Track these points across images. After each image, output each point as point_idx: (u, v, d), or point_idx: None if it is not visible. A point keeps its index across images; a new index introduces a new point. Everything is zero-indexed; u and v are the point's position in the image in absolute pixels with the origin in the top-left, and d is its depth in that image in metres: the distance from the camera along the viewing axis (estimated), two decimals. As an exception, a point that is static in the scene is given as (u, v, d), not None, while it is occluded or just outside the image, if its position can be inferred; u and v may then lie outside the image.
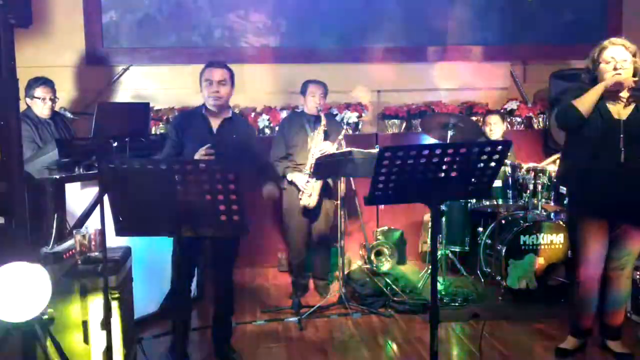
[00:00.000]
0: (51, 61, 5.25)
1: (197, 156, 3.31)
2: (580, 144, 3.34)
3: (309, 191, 4.47)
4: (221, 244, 3.51)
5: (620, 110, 3.27)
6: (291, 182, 4.57)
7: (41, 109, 4.34)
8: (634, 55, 3.24)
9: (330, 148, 4.40)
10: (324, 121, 4.48)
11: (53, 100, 4.38)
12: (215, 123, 3.50)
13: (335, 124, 4.82)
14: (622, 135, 3.21)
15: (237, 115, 3.82)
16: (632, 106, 3.26)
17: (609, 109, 3.26)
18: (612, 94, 3.24)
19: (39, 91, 4.32)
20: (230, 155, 3.37)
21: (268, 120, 5.63)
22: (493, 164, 2.39)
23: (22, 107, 4.33)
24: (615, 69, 3.20)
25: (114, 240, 2.80)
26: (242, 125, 3.69)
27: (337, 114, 5.64)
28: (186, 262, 3.47)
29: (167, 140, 3.61)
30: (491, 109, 5.75)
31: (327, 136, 4.50)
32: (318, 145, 4.44)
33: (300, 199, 4.51)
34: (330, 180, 4.56)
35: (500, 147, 2.37)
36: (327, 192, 4.59)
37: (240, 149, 3.45)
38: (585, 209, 3.38)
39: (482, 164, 2.39)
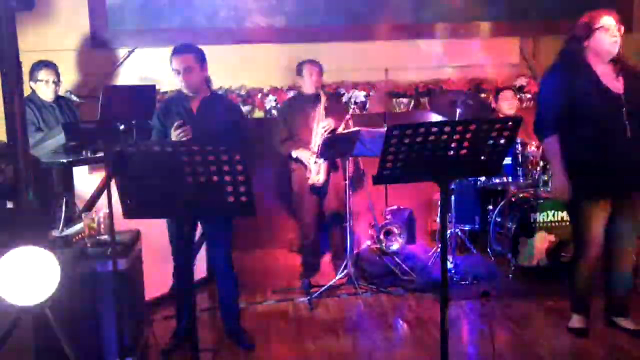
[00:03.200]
0: (55, 45, 5.20)
1: (173, 137, 3.30)
2: (583, 124, 3.27)
3: (316, 168, 4.46)
4: (214, 229, 3.54)
5: (617, 84, 3.25)
6: (297, 159, 4.56)
7: (45, 92, 4.32)
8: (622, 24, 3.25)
9: (333, 123, 4.39)
10: (323, 98, 4.47)
11: (56, 83, 4.36)
12: (194, 104, 3.51)
13: (336, 100, 4.79)
14: (624, 109, 3.19)
15: (216, 92, 3.84)
16: (621, 79, 3.25)
17: (607, 86, 3.24)
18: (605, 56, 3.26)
19: (42, 74, 4.30)
20: (214, 132, 3.37)
21: (275, 100, 5.59)
22: (503, 140, 2.35)
23: (27, 91, 4.33)
24: (613, 35, 3.22)
25: (125, 223, 2.79)
26: (223, 101, 3.71)
27: (344, 93, 5.59)
28: (184, 242, 3.47)
29: (153, 129, 3.58)
30: (500, 86, 5.68)
31: (327, 113, 4.48)
32: (320, 123, 4.42)
33: (308, 177, 4.50)
34: (323, 172, 4.54)
35: (510, 123, 2.33)
36: (334, 167, 4.58)
37: (223, 123, 3.44)
38: (591, 191, 3.33)
39: (492, 141, 2.35)
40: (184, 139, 3.27)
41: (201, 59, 3.47)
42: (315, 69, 4.61)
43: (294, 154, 4.57)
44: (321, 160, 4.42)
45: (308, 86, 4.62)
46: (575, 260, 3.54)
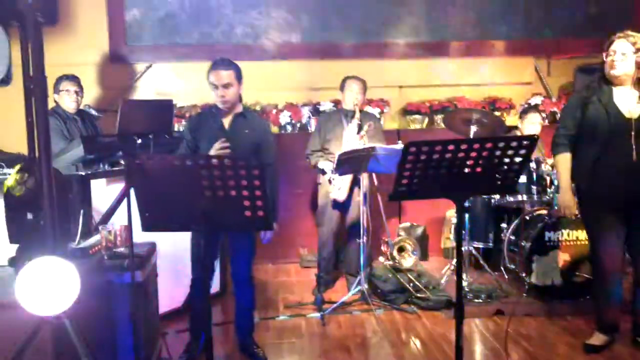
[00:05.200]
0: (75, 59, 5.30)
1: (212, 151, 3.34)
2: (590, 143, 3.36)
3: (338, 184, 4.48)
4: (239, 239, 3.54)
5: (632, 109, 3.27)
6: (322, 170, 4.60)
7: (67, 102, 4.42)
8: (637, 51, 3.25)
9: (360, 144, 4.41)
10: (357, 115, 4.48)
11: (78, 93, 4.46)
12: (226, 120, 3.52)
13: (372, 119, 4.79)
14: (633, 133, 3.22)
15: (248, 110, 3.80)
16: None
17: (619, 109, 3.28)
18: (614, 81, 3.32)
19: (65, 84, 4.42)
20: (244, 150, 3.39)
21: (290, 116, 5.64)
22: (519, 159, 2.36)
23: (51, 104, 4.41)
24: (612, 61, 3.27)
25: (139, 236, 2.83)
26: (254, 120, 3.67)
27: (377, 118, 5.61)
28: (207, 257, 3.49)
29: (183, 141, 3.62)
30: (525, 105, 5.66)
31: (360, 129, 4.48)
32: (350, 140, 4.44)
33: (331, 192, 4.53)
34: (346, 189, 4.54)
35: (526, 142, 2.34)
36: (358, 184, 4.59)
37: (251, 143, 3.46)
38: (597, 206, 3.40)
39: (508, 159, 2.36)
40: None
41: (240, 75, 3.47)
42: (357, 86, 4.59)
43: (320, 165, 4.61)
44: (340, 176, 4.43)
45: (347, 101, 4.63)
46: (594, 277, 3.59)
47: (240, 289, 3.64)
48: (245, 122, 3.52)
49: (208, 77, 3.46)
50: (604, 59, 3.33)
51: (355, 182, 4.56)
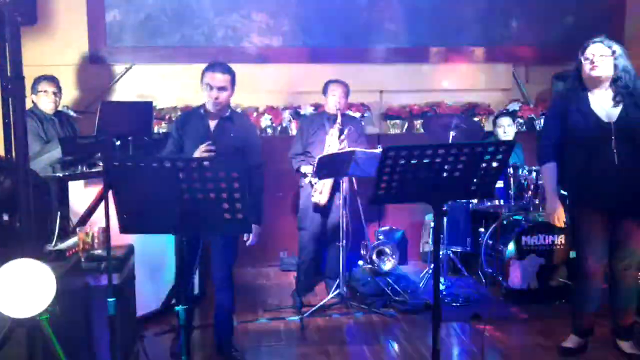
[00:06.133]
0: (54, 60, 5.24)
1: (197, 153, 3.35)
2: (574, 150, 3.41)
3: (319, 188, 4.49)
4: (221, 243, 3.54)
5: (610, 112, 3.32)
6: (304, 175, 4.62)
7: (45, 103, 4.36)
8: (613, 53, 3.30)
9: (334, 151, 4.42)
10: (338, 119, 4.49)
11: (56, 94, 4.41)
12: (212, 122, 3.53)
13: (355, 123, 4.80)
14: (613, 137, 3.26)
15: (236, 113, 3.80)
16: (620, 106, 3.31)
17: (597, 115, 3.32)
18: (592, 83, 3.35)
19: (43, 85, 4.36)
20: (227, 154, 3.40)
21: (270, 120, 5.64)
22: (496, 164, 2.40)
23: (28, 105, 4.37)
24: (592, 62, 3.30)
25: (116, 238, 2.81)
26: (242, 122, 3.68)
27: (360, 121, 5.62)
28: (187, 260, 3.48)
29: (170, 137, 3.65)
30: (501, 110, 5.74)
31: (341, 133, 4.50)
32: (332, 144, 4.45)
33: (312, 196, 4.54)
34: (327, 193, 4.55)
35: (503, 147, 2.37)
36: (338, 189, 4.60)
37: (234, 147, 3.47)
38: (584, 206, 3.44)
39: (485, 164, 2.39)
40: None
41: (234, 82, 3.52)
42: (339, 90, 4.60)
43: (302, 169, 4.63)
44: (321, 180, 4.44)
45: (330, 105, 4.63)
46: (574, 280, 3.65)
47: (220, 291, 3.64)
48: (231, 126, 3.53)
49: (203, 77, 3.47)
50: (581, 63, 3.34)
51: (337, 187, 4.57)
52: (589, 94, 3.37)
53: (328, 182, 4.50)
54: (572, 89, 3.45)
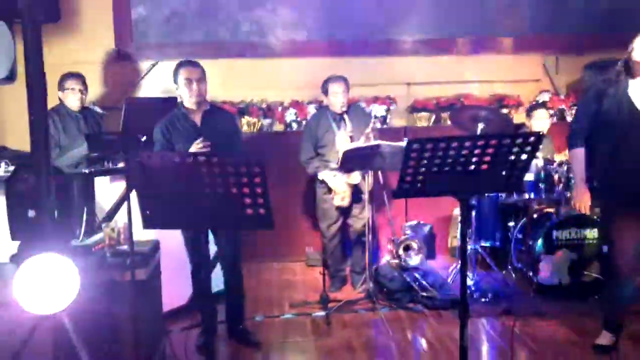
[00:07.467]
0: (81, 57, 5.29)
1: (193, 149, 3.40)
2: (605, 137, 3.32)
3: (340, 194, 4.44)
4: (226, 235, 3.61)
5: None
6: (323, 182, 4.55)
7: (72, 100, 4.44)
8: None
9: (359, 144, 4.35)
10: (349, 124, 4.42)
11: (82, 91, 4.48)
12: (197, 118, 3.59)
13: (364, 117, 4.71)
14: None
15: (215, 106, 3.90)
16: None
17: (632, 100, 3.23)
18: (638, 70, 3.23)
19: (69, 82, 4.44)
20: (221, 145, 3.46)
21: (295, 114, 5.61)
22: (525, 156, 2.33)
23: (56, 102, 4.43)
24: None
25: (143, 234, 2.81)
26: (222, 113, 3.83)
27: (364, 108, 5.58)
28: (204, 255, 3.50)
29: (156, 145, 3.58)
30: (536, 102, 5.61)
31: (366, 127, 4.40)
32: (343, 146, 4.37)
33: (333, 198, 4.49)
34: (358, 173, 4.49)
35: (532, 138, 2.30)
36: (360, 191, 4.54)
37: (226, 135, 3.56)
38: (613, 203, 3.36)
39: (513, 157, 2.32)
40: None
41: (205, 75, 3.62)
42: (341, 88, 4.47)
43: (321, 176, 4.53)
44: (340, 174, 4.38)
45: (335, 105, 4.50)
46: (606, 276, 3.57)
47: (228, 272, 3.69)
48: (215, 117, 3.61)
49: (178, 75, 3.57)
50: (633, 49, 3.22)
51: (357, 190, 4.51)
52: (631, 80, 3.28)
53: (349, 188, 4.45)
54: (617, 73, 3.34)
